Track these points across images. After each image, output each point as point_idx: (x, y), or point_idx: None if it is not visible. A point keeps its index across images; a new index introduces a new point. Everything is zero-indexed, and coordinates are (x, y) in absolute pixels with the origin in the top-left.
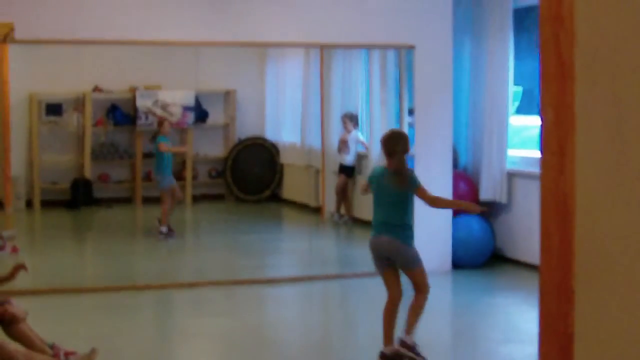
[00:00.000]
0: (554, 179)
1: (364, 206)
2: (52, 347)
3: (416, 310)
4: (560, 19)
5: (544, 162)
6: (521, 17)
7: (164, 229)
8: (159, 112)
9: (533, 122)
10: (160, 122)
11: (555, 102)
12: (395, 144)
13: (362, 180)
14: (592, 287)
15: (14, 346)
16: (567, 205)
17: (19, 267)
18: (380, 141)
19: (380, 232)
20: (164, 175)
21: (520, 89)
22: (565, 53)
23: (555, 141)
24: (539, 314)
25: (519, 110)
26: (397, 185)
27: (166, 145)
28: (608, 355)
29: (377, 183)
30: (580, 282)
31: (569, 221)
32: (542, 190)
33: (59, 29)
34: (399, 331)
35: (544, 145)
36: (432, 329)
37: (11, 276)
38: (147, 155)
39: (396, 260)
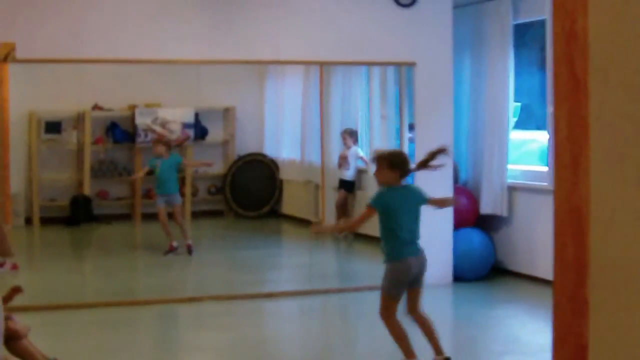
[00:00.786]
0: (568, 191)
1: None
2: None
3: (434, 328)
4: (574, 35)
5: (557, 175)
6: (521, 32)
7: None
8: (158, 129)
9: (531, 137)
10: (153, 142)
11: (568, 117)
12: (409, 163)
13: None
14: (606, 298)
15: None
16: (581, 217)
17: (16, 290)
18: (394, 160)
19: (413, 252)
20: (156, 194)
21: (518, 104)
22: (578, 68)
23: (569, 155)
24: (552, 325)
25: (517, 126)
26: (415, 200)
27: (144, 169)
28: None
29: (394, 204)
30: (594, 293)
31: (584, 233)
32: (556, 203)
33: (60, 48)
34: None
35: (556, 159)
36: None
37: (8, 299)
38: (147, 173)
39: (421, 278)
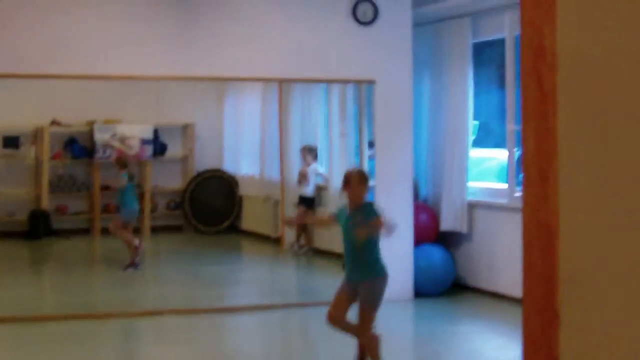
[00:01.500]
0: (536, 206)
1: (324, 237)
2: None
3: None
4: (543, 50)
5: (525, 190)
6: (479, 51)
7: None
8: (117, 144)
9: (490, 155)
10: None
11: (536, 131)
12: None
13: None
14: (576, 312)
15: None
16: (550, 232)
17: None
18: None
19: None
20: None
21: (476, 122)
22: (546, 83)
23: (537, 170)
24: (522, 339)
25: (476, 144)
26: None
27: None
28: None
29: None
30: (564, 306)
31: (553, 247)
32: (524, 218)
33: (18, 63)
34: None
35: (524, 175)
36: (395, 357)
37: None
38: (105, 188)
39: None
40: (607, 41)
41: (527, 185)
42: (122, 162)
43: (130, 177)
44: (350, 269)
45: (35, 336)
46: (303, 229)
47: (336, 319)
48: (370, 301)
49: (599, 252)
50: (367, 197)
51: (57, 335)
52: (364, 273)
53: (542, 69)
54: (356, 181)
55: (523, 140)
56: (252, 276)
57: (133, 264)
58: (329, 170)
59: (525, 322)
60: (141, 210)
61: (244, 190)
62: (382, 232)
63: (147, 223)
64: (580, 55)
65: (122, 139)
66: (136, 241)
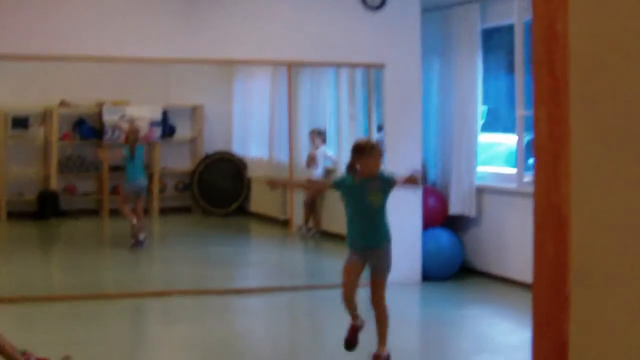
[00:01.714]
0: (548, 190)
1: (333, 219)
2: (23, 353)
3: None
4: (555, 36)
5: (536, 175)
6: (487, 37)
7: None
8: (125, 126)
9: (498, 140)
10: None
11: (548, 116)
12: None
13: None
14: (587, 295)
15: None
16: (561, 216)
17: None
18: None
19: None
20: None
21: (485, 107)
22: (559, 69)
23: (549, 155)
24: (532, 322)
25: (484, 128)
26: None
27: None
28: None
29: None
30: (575, 289)
31: (564, 231)
32: (536, 202)
33: (27, 44)
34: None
35: (536, 159)
36: (403, 339)
37: None
38: (114, 169)
39: None
40: (619, 25)
41: (538, 169)
42: (127, 137)
43: (131, 152)
44: (361, 237)
45: (43, 316)
46: (312, 212)
47: (351, 296)
48: (385, 268)
49: (611, 236)
50: (378, 169)
51: (65, 316)
52: (377, 239)
53: (554, 54)
54: (377, 153)
55: (535, 125)
56: (260, 258)
57: (137, 242)
58: (338, 153)
59: (535, 307)
60: (149, 191)
61: (252, 172)
62: (415, 185)
63: (155, 204)
64: (592, 40)
65: (131, 121)
66: (134, 219)
